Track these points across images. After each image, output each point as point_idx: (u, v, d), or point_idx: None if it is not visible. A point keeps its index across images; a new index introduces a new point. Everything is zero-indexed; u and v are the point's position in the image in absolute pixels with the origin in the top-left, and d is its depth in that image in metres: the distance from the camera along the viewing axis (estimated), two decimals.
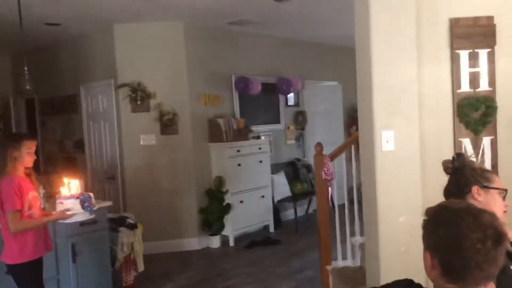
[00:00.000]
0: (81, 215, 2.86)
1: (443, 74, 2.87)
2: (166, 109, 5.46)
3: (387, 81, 2.71)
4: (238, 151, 5.78)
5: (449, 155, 2.89)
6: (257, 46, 6.48)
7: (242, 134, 5.92)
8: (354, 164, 3.84)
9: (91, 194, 2.90)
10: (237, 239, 5.75)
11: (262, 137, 6.37)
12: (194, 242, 5.62)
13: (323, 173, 4.01)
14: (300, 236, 5.96)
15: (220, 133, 5.71)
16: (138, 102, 5.38)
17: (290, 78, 6.62)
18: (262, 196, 6.11)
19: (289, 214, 6.72)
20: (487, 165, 2.91)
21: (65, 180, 2.93)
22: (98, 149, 5.81)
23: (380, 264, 2.77)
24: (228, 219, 5.68)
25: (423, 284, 1.32)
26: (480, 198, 1.74)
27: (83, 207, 2.83)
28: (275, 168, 6.62)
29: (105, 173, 5.70)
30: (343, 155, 4.11)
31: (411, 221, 2.65)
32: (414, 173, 2.75)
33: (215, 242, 5.66)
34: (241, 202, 5.79)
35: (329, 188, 4.07)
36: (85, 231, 3.68)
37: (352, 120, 8.04)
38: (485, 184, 1.75)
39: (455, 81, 2.87)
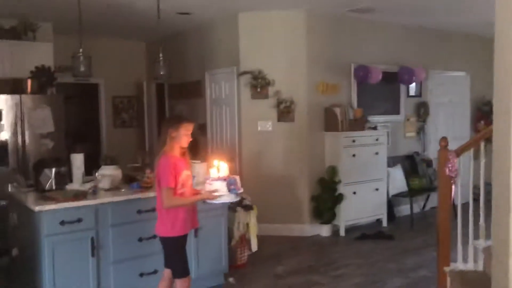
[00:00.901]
0: (226, 197, 2.94)
1: None
2: (284, 97, 5.56)
3: None
4: (354, 141, 5.69)
5: None
6: (378, 34, 6.27)
7: (358, 124, 5.81)
8: (482, 161, 3.57)
9: (238, 178, 2.98)
10: (348, 230, 5.70)
11: (379, 128, 6.17)
12: (305, 229, 5.69)
13: (447, 169, 3.78)
14: (414, 233, 5.72)
15: (335, 122, 5.66)
16: (258, 89, 5.56)
17: (413, 67, 6.31)
18: (377, 189, 5.95)
19: (403, 209, 6.46)
20: None
21: (215, 162, 3.02)
22: (219, 132, 6.13)
23: (509, 271, 2.55)
24: (340, 209, 5.65)
25: None
26: None
27: (229, 190, 2.91)
28: (392, 161, 6.38)
29: (225, 155, 5.99)
30: (470, 152, 3.84)
31: None
32: None
33: (325, 230, 5.68)
34: (354, 193, 5.71)
35: (453, 186, 3.84)
36: (207, 208, 3.92)
37: (480, 113, 7.44)
38: None
39: None
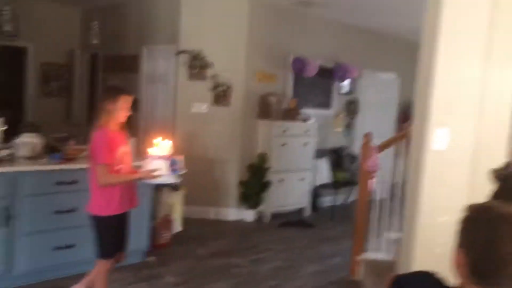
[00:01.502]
0: (167, 178, 2.82)
1: (508, 77, 2.77)
2: (221, 81, 5.56)
3: (448, 77, 2.64)
4: (285, 131, 5.82)
5: (501, 162, 2.82)
6: (319, 29, 6.43)
7: (291, 114, 5.94)
8: (402, 160, 3.80)
9: (181, 158, 2.87)
10: (273, 217, 5.84)
11: (311, 121, 6.35)
12: (230, 213, 5.76)
13: (367, 164, 4.00)
14: (335, 223, 5.98)
15: (269, 110, 5.76)
16: (196, 70, 5.51)
17: (348, 65, 6.54)
18: (303, 179, 6.14)
19: (327, 200, 6.72)
20: None
21: (157, 139, 2.88)
22: (152, 110, 6.01)
23: (412, 262, 2.76)
24: (266, 196, 5.77)
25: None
26: None
27: (170, 170, 2.79)
28: (320, 153, 6.60)
29: (158, 134, 5.89)
30: (391, 150, 4.08)
31: (451, 224, 2.62)
32: (462, 175, 2.69)
33: (250, 216, 5.78)
34: (281, 181, 5.85)
35: (372, 180, 4.06)
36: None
37: (404, 115, 7.87)
38: None
39: None
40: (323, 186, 6.56)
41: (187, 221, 5.07)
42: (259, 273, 4.09)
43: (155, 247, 4.35)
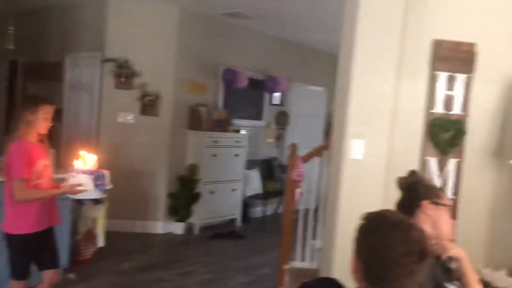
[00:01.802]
0: (91, 193, 2.69)
1: (419, 92, 2.94)
2: (149, 90, 5.44)
3: (364, 91, 2.75)
4: (216, 141, 5.80)
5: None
6: (249, 41, 6.50)
7: (222, 125, 5.94)
8: (326, 170, 3.90)
9: (107, 173, 2.73)
10: (203, 229, 5.77)
11: (243, 132, 6.39)
12: (158, 226, 5.62)
13: (294, 174, 4.06)
14: (266, 233, 6.01)
15: (199, 121, 5.72)
16: (122, 79, 5.36)
17: (278, 77, 6.66)
18: (233, 190, 6.14)
19: (259, 211, 6.76)
20: (450, 186, 3.00)
21: (82, 153, 2.74)
22: (76, 120, 5.76)
23: (333, 269, 2.82)
24: (196, 208, 5.70)
25: None
26: (429, 212, 1.80)
27: (95, 185, 2.66)
28: (251, 164, 6.65)
29: (81, 146, 5.64)
30: (317, 160, 4.17)
31: None
32: (378, 184, 2.80)
33: (179, 228, 5.67)
34: (212, 192, 5.81)
35: (298, 190, 4.12)
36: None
37: (330, 127, 8.12)
38: (435, 200, 1.81)
39: (430, 101, 2.94)
40: (254, 196, 6.59)
41: (113, 236, 4.88)
42: (185, 287, 4.00)
43: (76, 263, 4.14)
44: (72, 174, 2.67)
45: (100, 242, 4.34)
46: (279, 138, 7.29)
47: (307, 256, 4.03)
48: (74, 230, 4.10)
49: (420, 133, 2.97)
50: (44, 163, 2.69)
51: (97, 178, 2.67)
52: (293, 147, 4.12)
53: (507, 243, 3.01)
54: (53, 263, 2.84)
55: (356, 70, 2.73)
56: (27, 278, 2.72)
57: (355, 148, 2.76)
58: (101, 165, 5.11)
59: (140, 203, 5.55)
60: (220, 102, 6.17)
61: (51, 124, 2.72)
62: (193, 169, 5.66)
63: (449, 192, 3.00)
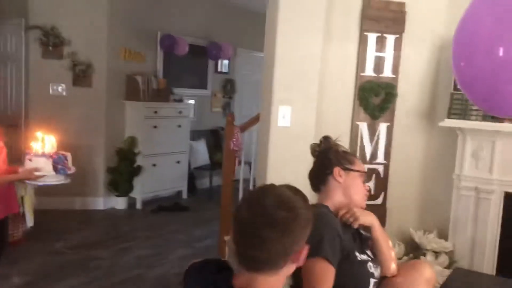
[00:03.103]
0: (52, 178, 2.47)
1: (349, 54, 2.84)
2: (81, 59, 5.10)
3: (289, 55, 2.62)
4: (156, 112, 5.55)
5: (345, 136, 2.90)
6: (190, 5, 6.19)
7: (162, 95, 5.69)
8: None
9: (68, 155, 2.54)
10: (147, 203, 5.60)
11: (185, 101, 6.16)
12: (98, 202, 5.39)
13: (231, 144, 3.93)
14: (212, 205, 5.87)
15: (137, 91, 5.44)
16: (50, 48, 4.99)
17: (222, 44, 6.43)
18: (178, 162, 5.95)
19: (206, 182, 6.63)
20: (381, 151, 2.95)
21: (39, 134, 2.53)
22: (3, 93, 5.35)
23: None
24: (138, 182, 5.50)
25: None
26: (341, 179, 1.72)
27: (55, 169, 2.44)
28: (197, 135, 6.47)
29: (8, 120, 5.27)
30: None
31: None
32: (307, 152, 2.70)
33: (121, 203, 5.47)
34: (154, 165, 5.61)
35: (236, 160, 4.01)
36: None
37: None
38: (346, 166, 1.72)
39: (360, 64, 2.85)
40: (201, 167, 6.44)
41: (48, 214, 4.65)
42: (121, 264, 3.85)
43: (6, 245, 3.89)
44: (29, 157, 2.43)
45: (29, 222, 4.09)
46: (226, 107, 7.11)
47: None
48: None
49: (351, 98, 2.88)
50: None
51: (57, 161, 2.45)
52: (230, 116, 3.98)
53: (437, 205, 3.02)
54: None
55: (280, 31, 2.59)
56: None
57: (282, 115, 2.64)
58: (28, 140, 4.76)
59: (78, 179, 5.18)
60: (160, 70, 5.89)
61: None
62: (132, 141, 5.42)
63: (380, 157, 2.96)
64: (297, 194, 1.13)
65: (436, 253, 2.83)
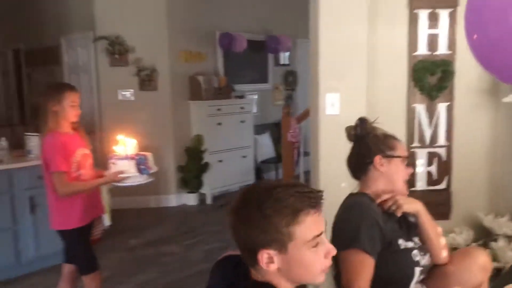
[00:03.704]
0: (136, 178, 2.51)
1: (399, 35, 2.71)
2: (145, 65, 5.35)
3: (334, 40, 2.56)
4: (219, 109, 5.68)
5: (401, 121, 2.79)
6: (245, 2, 6.24)
7: (224, 92, 5.81)
8: None
9: (149, 155, 2.59)
10: (216, 198, 5.76)
11: (248, 97, 6.24)
12: (171, 199, 5.64)
13: (289, 135, 3.93)
14: None
15: (200, 91, 5.60)
16: (116, 56, 5.28)
17: (280, 36, 6.41)
18: (244, 156, 6.06)
19: (273, 175, 6.67)
20: (442, 132, 2.80)
21: (120, 137, 2.60)
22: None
23: None
24: (207, 178, 5.67)
25: None
26: (383, 168, 1.65)
27: (139, 170, 2.49)
28: (261, 129, 6.52)
29: (85, 127, 5.66)
30: None
31: (351, 188, 2.58)
32: None
33: (192, 199, 5.68)
34: (220, 161, 5.75)
35: (295, 151, 4.00)
36: (44, 184, 3.67)
37: None
38: (388, 153, 1.65)
39: (412, 43, 2.72)
40: (267, 161, 6.50)
41: (125, 213, 4.94)
42: (191, 258, 4.01)
43: None
44: (112, 161, 2.51)
45: (107, 221, 4.37)
46: (289, 99, 7.09)
47: None
48: None
49: (405, 80, 2.76)
50: (82, 152, 2.56)
51: (139, 162, 2.52)
52: (286, 108, 3.99)
53: (508, 187, 2.80)
54: None
55: (323, 15, 2.53)
56: (98, 268, 2.61)
57: (331, 103, 2.59)
58: (104, 145, 5.05)
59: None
60: (220, 68, 6.01)
61: (80, 111, 2.57)
62: (198, 139, 5.60)
63: (441, 139, 2.80)
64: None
65: (509, 238, 2.64)
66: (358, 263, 1.42)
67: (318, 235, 1.05)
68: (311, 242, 1.04)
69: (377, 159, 1.64)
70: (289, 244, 1.04)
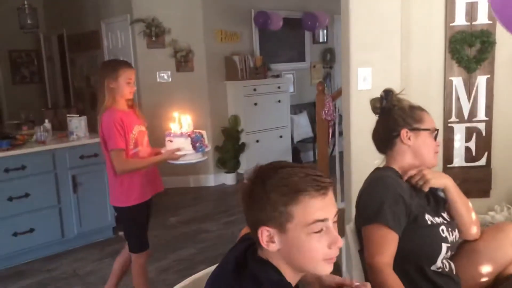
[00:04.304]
0: (192, 156, 2.47)
1: (435, 5, 2.59)
2: (181, 46, 5.40)
3: (365, 11, 2.48)
4: (255, 90, 5.67)
5: (438, 95, 2.69)
6: None
7: (260, 72, 5.79)
8: None
9: (204, 133, 2.55)
10: None
11: (285, 76, 6.19)
12: (209, 179, 5.73)
13: (323, 113, 3.86)
14: None
15: (235, 71, 5.60)
16: (153, 38, 5.35)
17: (316, 13, 6.28)
18: (281, 136, 6.04)
19: (310, 155, 6.63)
20: (481, 107, 2.68)
21: (175, 115, 2.56)
22: None
23: (352, 206, 2.68)
24: (244, 158, 5.71)
25: None
26: (410, 142, 1.59)
27: (194, 148, 2.45)
28: (298, 108, 6.48)
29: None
30: None
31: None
32: None
33: (230, 179, 5.74)
34: (257, 141, 5.77)
35: (330, 130, 3.93)
36: (85, 164, 3.83)
37: None
38: (415, 126, 1.59)
39: (449, 13, 2.59)
40: (304, 141, 6.45)
41: (165, 192, 5.03)
42: (227, 236, 4.07)
43: None
44: (169, 138, 2.48)
45: None
46: (327, 77, 6.98)
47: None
48: None
49: (442, 52, 2.64)
50: (139, 129, 2.54)
51: (195, 139, 2.47)
52: (320, 85, 3.90)
53: None
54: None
55: None
56: (147, 248, 2.65)
57: (363, 78, 2.53)
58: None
59: None
60: (256, 48, 5.98)
61: (135, 88, 2.56)
62: (235, 120, 5.63)
63: (480, 114, 2.68)
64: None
65: None
66: (381, 238, 1.39)
67: (322, 220, 1.01)
68: (312, 226, 1.00)
69: (404, 132, 1.58)
70: (287, 224, 1.01)
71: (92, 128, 4.28)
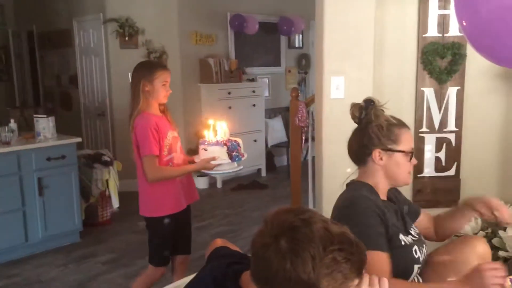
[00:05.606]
0: (228, 166, 2.35)
1: (408, 16, 2.62)
2: (155, 47, 5.32)
3: (339, 20, 2.48)
4: (229, 93, 5.63)
5: (409, 105, 2.70)
6: None
7: (235, 75, 5.75)
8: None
9: (240, 141, 2.44)
10: (226, 182, 5.74)
11: (260, 80, 6.17)
12: None
13: (296, 120, 3.86)
14: (289, 182, 5.88)
15: (210, 73, 5.55)
16: (126, 38, 5.25)
17: (292, 18, 6.29)
18: (255, 140, 6.01)
19: (284, 159, 6.63)
20: (451, 117, 2.71)
21: (210, 121, 2.43)
22: (90, 85, 5.77)
23: (323, 212, 2.67)
24: None
25: None
26: (381, 162, 1.55)
27: (230, 157, 2.32)
28: (273, 113, 6.47)
29: (96, 110, 5.70)
30: None
31: (357, 174, 2.52)
32: None
33: (202, 183, 5.67)
34: None
35: (303, 136, 3.93)
36: (52, 166, 3.71)
37: None
38: (389, 146, 1.54)
39: (422, 24, 2.62)
40: (278, 145, 6.45)
41: (134, 195, 4.95)
42: (199, 241, 3.96)
43: (96, 225, 4.27)
44: (204, 147, 2.34)
45: (115, 203, 4.40)
46: (302, 82, 7.00)
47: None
48: (88, 194, 4.17)
49: (414, 62, 2.67)
50: (173, 134, 2.43)
51: (232, 148, 2.35)
52: (294, 91, 3.90)
53: None
54: (187, 247, 2.65)
55: None
56: (166, 265, 2.50)
57: (335, 86, 2.52)
58: (114, 128, 5.02)
59: None
60: (231, 51, 5.94)
61: (170, 91, 2.44)
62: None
63: (451, 124, 2.71)
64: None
65: None
66: (377, 263, 1.34)
67: None
68: None
69: (376, 152, 1.54)
70: None
71: (61, 129, 4.17)
